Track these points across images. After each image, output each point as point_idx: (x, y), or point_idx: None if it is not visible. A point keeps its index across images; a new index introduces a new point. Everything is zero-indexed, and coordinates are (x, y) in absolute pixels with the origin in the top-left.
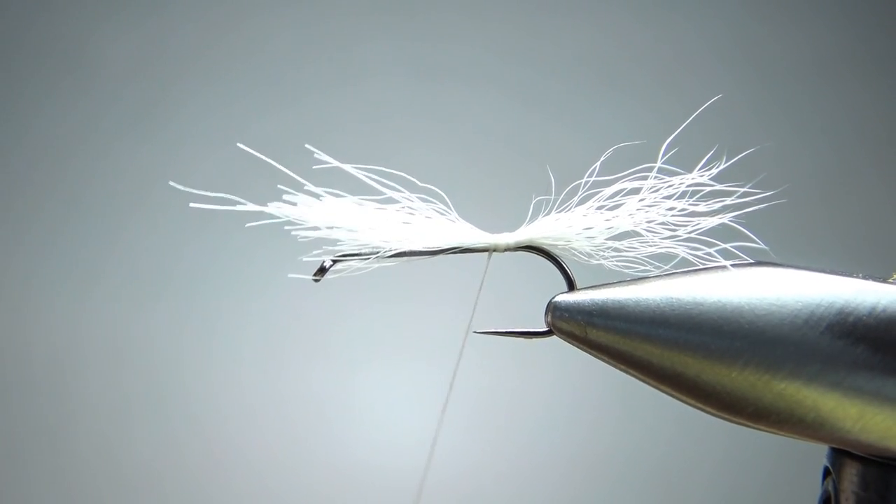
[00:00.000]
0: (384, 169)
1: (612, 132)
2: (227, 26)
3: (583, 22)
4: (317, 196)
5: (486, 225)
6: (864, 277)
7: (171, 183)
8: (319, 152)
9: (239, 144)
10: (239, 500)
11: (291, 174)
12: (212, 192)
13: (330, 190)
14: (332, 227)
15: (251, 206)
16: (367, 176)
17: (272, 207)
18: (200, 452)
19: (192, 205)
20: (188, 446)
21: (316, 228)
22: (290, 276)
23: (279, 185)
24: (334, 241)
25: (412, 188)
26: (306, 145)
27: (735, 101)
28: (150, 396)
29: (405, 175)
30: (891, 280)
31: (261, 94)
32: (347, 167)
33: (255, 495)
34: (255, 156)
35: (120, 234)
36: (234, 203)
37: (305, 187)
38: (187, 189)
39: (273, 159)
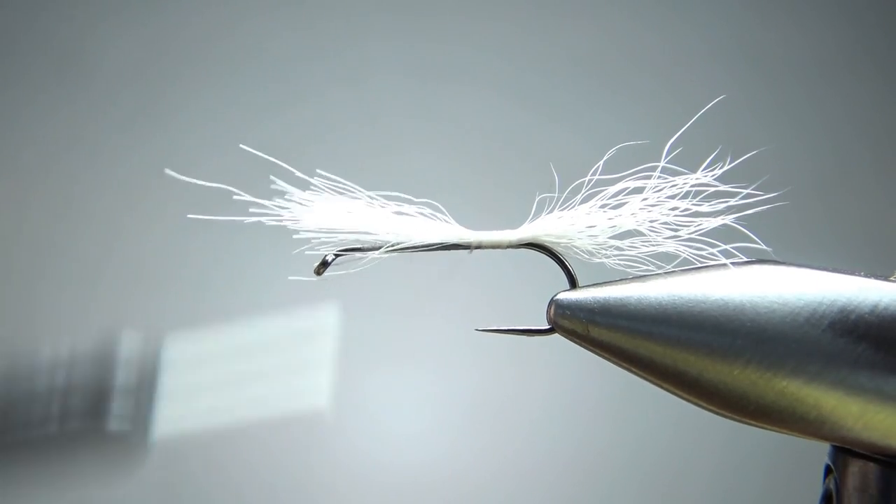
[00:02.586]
0: (390, 193)
1: (616, 132)
2: (226, 27)
3: (586, 22)
4: (318, 193)
5: (488, 223)
6: (866, 276)
7: (168, 171)
8: (326, 172)
9: (242, 146)
10: (243, 497)
11: (295, 171)
12: (212, 193)
13: (336, 182)
14: (333, 227)
15: (252, 215)
16: (369, 193)
17: (271, 204)
18: (205, 451)
19: (189, 216)
20: (191, 446)
21: (317, 227)
22: (291, 278)
23: (272, 176)
24: (335, 239)
25: (414, 189)
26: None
27: (738, 103)
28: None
29: (403, 195)
30: (892, 278)
31: (261, 95)
32: (355, 188)
33: (260, 493)
34: (255, 158)
35: (121, 235)
36: (234, 208)
37: (307, 185)
38: (185, 178)
39: (275, 156)
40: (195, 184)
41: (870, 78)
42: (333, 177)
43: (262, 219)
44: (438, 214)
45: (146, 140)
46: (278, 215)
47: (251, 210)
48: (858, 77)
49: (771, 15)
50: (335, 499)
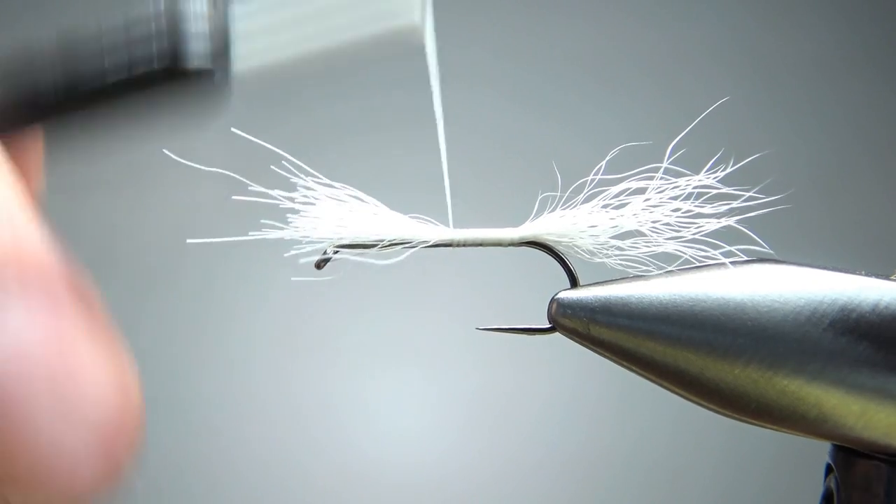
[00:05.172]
0: (391, 191)
1: (618, 133)
2: None
3: (590, 23)
4: (318, 192)
5: (490, 220)
6: (867, 275)
7: (165, 151)
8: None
9: (233, 130)
10: (246, 498)
11: (306, 166)
12: (212, 188)
13: (340, 185)
14: (333, 226)
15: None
16: (370, 192)
17: (275, 193)
18: (207, 451)
19: (189, 241)
20: (194, 446)
21: (318, 226)
22: (294, 279)
23: (270, 166)
24: (335, 236)
25: (416, 187)
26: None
27: (741, 105)
28: (156, 398)
29: (404, 192)
30: (893, 277)
31: (260, 95)
32: (354, 189)
33: (263, 493)
34: (256, 156)
35: (122, 235)
36: (236, 202)
37: (307, 183)
38: (182, 160)
39: (272, 160)
40: (198, 181)
41: (873, 82)
42: (329, 179)
43: (270, 234)
44: (438, 213)
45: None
46: (281, 201)
47: (250, 189)
48: (862, 81)
49: (775, 17)
50: (335, 498)
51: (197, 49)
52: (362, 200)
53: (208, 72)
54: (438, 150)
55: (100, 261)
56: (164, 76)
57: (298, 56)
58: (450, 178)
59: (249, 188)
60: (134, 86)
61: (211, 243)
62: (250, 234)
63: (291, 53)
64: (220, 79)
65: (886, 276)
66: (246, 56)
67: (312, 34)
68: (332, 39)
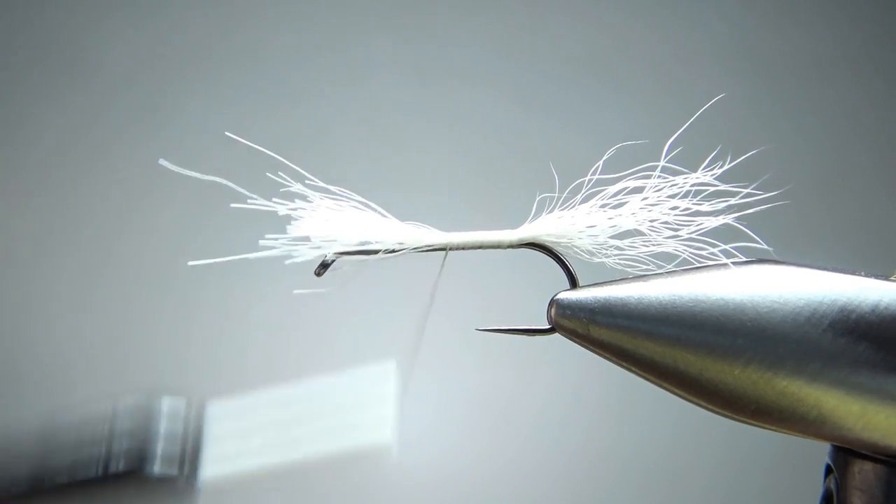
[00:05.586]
0: (391, 195)
1: (615, 132)
2: (227, 26)
3: (586, 22)
4: (318, 195)
5: (488, 222)
6: (867, 275)
7: (162, 161)
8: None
9: (227, 133)
10: (245, 497)
11: (302, 171)
12: (212, 192)
13: (335, 186)
14: (332, 230)
15: (248, 210)
16: (368, 196)
17: (272, 202)
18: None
19: (190, 263)
20: None
21: (316, 230)
22: (296, 292)
23: (269, 174)
24: (335, 242)
25: (414, 189)
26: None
27: (738, 102)
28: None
29: (403, 195)
30: (893, 278)
31: (260, 95)
32: (351, 194)
33: (262, 492)
34: (255, 157)
35: (121, 234)
36: (233, 211)
37: (307, 184)
38: (180, 170)
39: (269, 161)
40: (197, 183)
41: (870, 78)
42: (328, 184)
43: (270, 252)
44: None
45: (146, 141)
46: (278, 207)
47: (250, 201)
48: (858, 77)
49: (770, 14)
50: (335, 498)
51: (165, 453)
52: (362, 205)
53: (173, 477)
54: (437, 152)
55: (100, 260)
56: (131, 477)
57: (266, 465)
58: (448, 179)
59: (249, 201)
60: (101, 483)
61: (210, 239)
62: (251, 254)
63: (260, 462)
64: (186, 484)
65: (886, 277)
66: (215, 461)
67: (282, 443)
68: (301, 451)
